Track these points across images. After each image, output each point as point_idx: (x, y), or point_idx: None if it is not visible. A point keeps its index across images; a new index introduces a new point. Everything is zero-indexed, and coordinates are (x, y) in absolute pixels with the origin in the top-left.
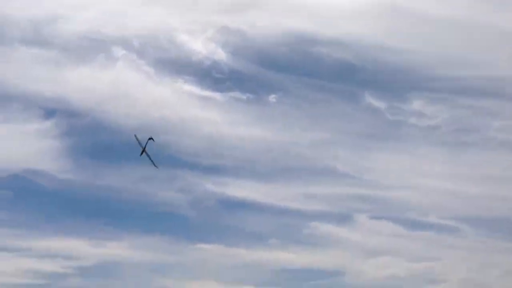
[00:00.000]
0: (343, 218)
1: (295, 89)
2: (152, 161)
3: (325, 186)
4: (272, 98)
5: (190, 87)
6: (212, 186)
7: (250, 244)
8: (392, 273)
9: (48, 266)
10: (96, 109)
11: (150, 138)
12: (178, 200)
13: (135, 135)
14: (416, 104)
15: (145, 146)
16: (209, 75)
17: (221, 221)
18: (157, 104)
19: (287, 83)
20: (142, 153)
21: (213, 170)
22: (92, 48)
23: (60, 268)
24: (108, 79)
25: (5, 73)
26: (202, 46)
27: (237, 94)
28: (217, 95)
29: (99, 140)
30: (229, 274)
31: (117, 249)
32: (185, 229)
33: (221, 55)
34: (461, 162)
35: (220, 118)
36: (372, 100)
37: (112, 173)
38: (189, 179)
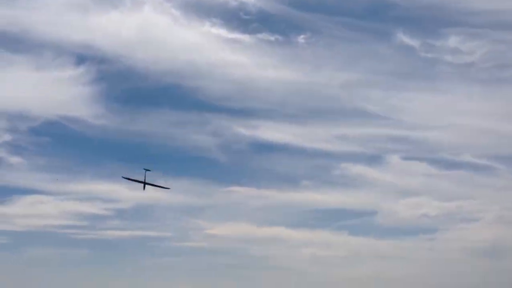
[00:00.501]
0: (375, 159)
1: (325, 28)
2: (157, 185)
3: (357, 127)
4: (301, 38)
5: (217, 30)
6: (243, 129)
7: (281, 186)
8: (424, 213)
9: (88, 208)
10: (125, 55)
11: (147, 170)
12: (209, 144)
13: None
14: (452, 41)
15: (144, 179)
16: (237, 17)
17: (252, 163)
18: (185, 48)
19: (317, 23)
20: (144, 187)
21: (243, 113)
22: None
23: (100, 210)
24: (135, 23)
25: (37, 21)
26: None
27: (265, 35)
28: (245, 37)
29: (129, 86)
30: (261, 216)
31: (153, 191)
32: (217, 172)
33: None
34: (497, 99)
35: (248, 61)
36: (404, 38)
37: (144, 118)
38: (220, 123)
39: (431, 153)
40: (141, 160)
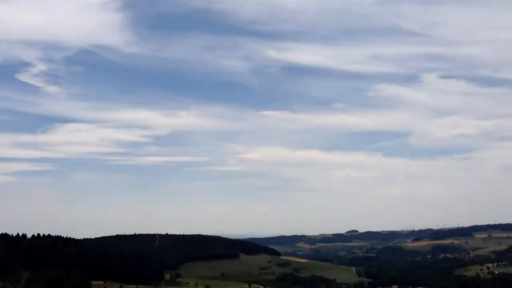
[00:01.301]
0: (410, 79)
1: None
2: None
3: (391, 46)
4: None
5: None
6: (274, 52)
7: (314, 109)
8: (461, 132)
9: (126, 136)
10: None
11: None
12: (241, 69)
13: None
14: None
15: None
16: None
17: (284, 87)
18: None
19: None
20: None
21: (274, 36)
22: None
23: (137, 137)
24: None
25: None
26: None
27: None
28: None
29: (159, 11)
30: (294, 139)
31: (187, 118)
32: (250, 97)
33: None
34: None
35: None
36: None
37: (174, 44)
38: (251, 47)
39: (470, 70)
40: (174, 87)
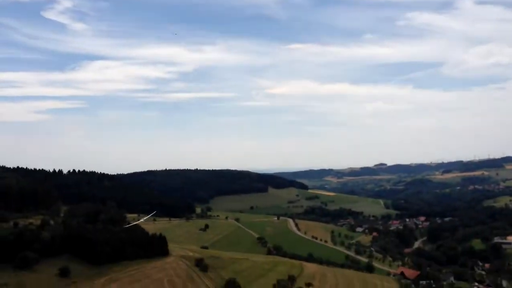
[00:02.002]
0: (444, 6)
1: None
2: None
3: None
4: None
5: None
6: None
7: (344, 41)
8: (496, 61)
9: (152, 72)
10: None
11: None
12: (268, 0)
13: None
14: None
15: None
16: None
17: (313, 19)
18: None
19: None
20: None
21: None
22: None
23: (163, 73)
24: None
25: None
26: None
27: None
28: None
29: None
30: (323, 73)
31: (213, 53)
32: (277, 30)
33: None
34: None
35: None
36: None
37: None
38: None
39: None
40: (200, 21)
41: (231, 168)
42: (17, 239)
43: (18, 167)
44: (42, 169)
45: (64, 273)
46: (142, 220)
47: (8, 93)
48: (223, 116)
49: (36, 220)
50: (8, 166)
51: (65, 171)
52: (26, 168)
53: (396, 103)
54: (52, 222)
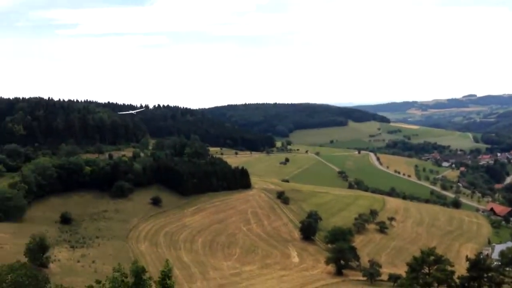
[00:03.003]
0: None
1: None
2: None
3: None
4: None
5: None
6: None
7: None
8: None
9: (229, 6)
10: None
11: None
12: None
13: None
14: None
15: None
16: None
17: None
18: None
19: None
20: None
21: None
22: None
23: (241, 5)
24: None
25: None
26: None
27: None
28: None
29: None
30: None
31: None
32: None
33: None
34: None
35: None
36: None
37: None
38: None
39: None
40: None
41: (310, 102)
42: (113, 170)
43: (108, 102)
44: (130, 104)
45: (156, 202)
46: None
47: (91, 31)
48: (301, 48)
49: (128, 152)
50: (100, 102)
51: (150, 106)
52: (116, 103)
53: (489, 25)
54: (142, 154)
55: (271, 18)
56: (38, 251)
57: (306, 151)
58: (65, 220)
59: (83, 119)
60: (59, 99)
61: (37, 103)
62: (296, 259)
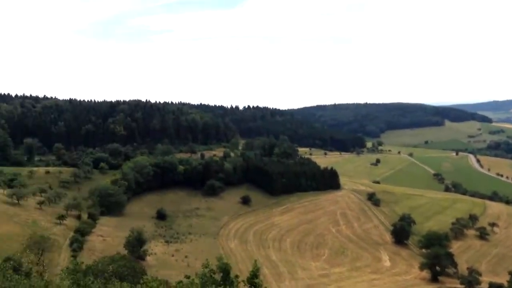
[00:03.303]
0: None
1: None
2: None
3: None
4: None
5: None
6: None
7: None
8: None
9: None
10: None
11: None
12: None
13: None
14: None
15: None
16: None
17: None
18: None
19: None
20: None
21: None
22: None
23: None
24: None
25: None
26: None
27: None
28: None
29: None
30: None
31: None
32: None
33: None
34: None
35: None
36: None
37: None
38: None
39: None
40: None
41: (403, 101)
42: (205, 169)
43: (201, 103)
44: (221, 105)
45: (245, 201)
46: None
47: (186, 35)
48: (394, 46)
49: (218, 152)
50: (193, 103)
51: (240, 107)
52: (207, 104)
53: None
54: (232, 154)
55: (359, 17)
56: (136, 245)
57: (399, 152)
58: (161, 216)
59: (177, 120)
60: (156, 101)
61: (136, 105)
62: (387, 263)
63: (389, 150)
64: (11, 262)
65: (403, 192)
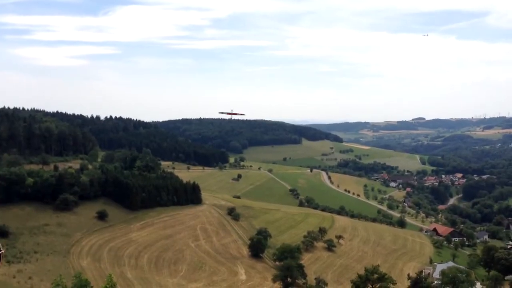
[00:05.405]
0: None
1: None
2: None
3: None
4: None
5: None
6: None
7: None
8: None
9: (185, 19)
10: None
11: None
12: None
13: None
14: None
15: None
16: None
17: None
18: None
19: None
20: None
21: None
22: None
23: (196, 20)
24: None
25: None
26: None
27: None
28: None
29: None
30: (361, 21)
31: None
32: None
33: None
34: None
35: None
36: None
37: None
38: None
39: None
40: None
41: (265, 119)
42: (58, 182)
43: (57, 111)
44: (80, 114)
45: (102, 216)
46: None
47: (44, 37)
48: (257, 65)
49: (75, 164)
50: (48, 111)
51: (102, 117)
52: (65, 113)
53: (437, 54)
54: (90, 166)
55: (228, 34)
56: None
57: (259, 168)
58: (2, 233)
59: (28, 128)
60: (4, 107)
61: None
62: (243, 277)
63: (251, 166)
64: None
65: (261, 207)
